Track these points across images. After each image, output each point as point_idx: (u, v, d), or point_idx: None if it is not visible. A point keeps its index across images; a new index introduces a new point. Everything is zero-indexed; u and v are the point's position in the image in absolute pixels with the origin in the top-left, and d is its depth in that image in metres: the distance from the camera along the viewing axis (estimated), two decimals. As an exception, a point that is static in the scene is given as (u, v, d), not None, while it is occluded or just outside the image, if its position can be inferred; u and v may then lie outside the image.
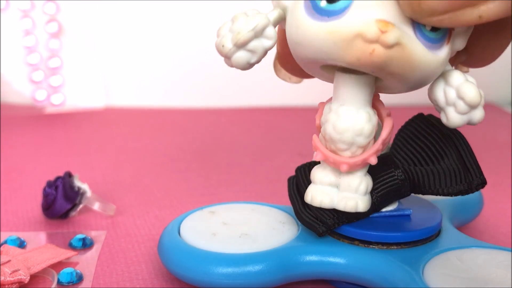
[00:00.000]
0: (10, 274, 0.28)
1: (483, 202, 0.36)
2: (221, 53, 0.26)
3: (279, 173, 0.45)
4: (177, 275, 0.29)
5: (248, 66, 0.27)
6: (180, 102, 0.65)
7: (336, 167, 0.27)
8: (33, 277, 0.30)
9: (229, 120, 0.61)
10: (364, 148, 0.27)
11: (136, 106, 0.64)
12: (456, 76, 0.26)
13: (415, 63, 0.24)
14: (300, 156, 0.48)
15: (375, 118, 0.27)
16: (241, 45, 0.26)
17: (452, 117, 0.26)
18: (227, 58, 0.26)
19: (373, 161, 0.27)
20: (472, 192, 0.28)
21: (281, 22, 0.27)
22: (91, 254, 0.33)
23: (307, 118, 0.61)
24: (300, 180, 0.31)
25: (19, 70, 0.60)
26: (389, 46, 0.23)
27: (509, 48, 0.28)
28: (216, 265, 0.28)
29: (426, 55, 0.25)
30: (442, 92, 0.26)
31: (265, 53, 0.26)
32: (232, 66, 0.27)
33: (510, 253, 0.28)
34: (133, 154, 0.50)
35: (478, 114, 0.26)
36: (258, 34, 0.26)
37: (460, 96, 0.26)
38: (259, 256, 0.28)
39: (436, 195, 0.29)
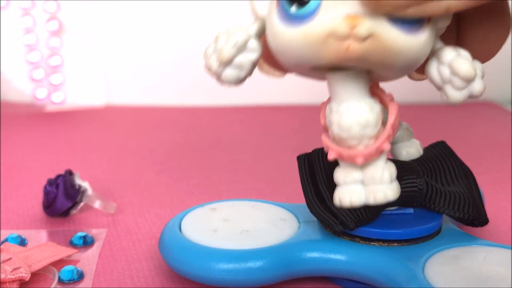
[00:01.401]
0: (11, 271, 0.28)
1: (483, 200, 0.36)
2: (210, 74, 0.27)
3: (279, 171, 0.45)
4: (178, 271, 0.29)
5: (239, 81, 0.27)
6: (181, 100, 0.65)
7: (351, 162, 0.27)
8: (34, 274, 0.30)
9: (230, 118, 0.61)
10: (375, 137, 0.26)
11: (136, 104, 0.64)
12: (448, 53, 0.26)
13: (395, 50, 0.24)
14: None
15: (377, 106, 0.26)
16: (226, 63, 0.26)
17: (451, 95, 0.26)
18: (217, 78, 0.27)
19: (387, 147, 0.26)
20: (472, 226, 0.30)
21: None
22: (92, 252, 0.33)
23: (308, 117, 0.61)
24: (316, 164, 0.30)
25: (19, 68, 0.60)
26: (363, 39, 0.23)
27: (509, 46, 0.28)
28: (217, 261, 0.28)
29: (405, 39, 0.24)
30: (437, 71, 0.26)
31: (253, 66, 0.27)
32: (224, 84, 0.27)
33: (510, 251, 0.28)
34: (133, 152, 0.50)
35: (477, 86, 0.25)
36: (241, 49, 0.26)
37: (454, 73, 0.25)
38: (260, 252, 0.28)
39: (441, 213, 0.29)
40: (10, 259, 0.29)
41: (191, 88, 0.65)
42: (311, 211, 0.29)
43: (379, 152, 0.26)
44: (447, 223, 0.31)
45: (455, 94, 0.26)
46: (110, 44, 0.63)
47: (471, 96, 0.26)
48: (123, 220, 0.37)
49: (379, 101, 0.27)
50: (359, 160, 0.26)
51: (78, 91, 0.62)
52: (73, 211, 0.37)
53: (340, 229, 0.28)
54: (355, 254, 0.29)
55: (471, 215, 0.29)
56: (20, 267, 0.29)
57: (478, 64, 0.26)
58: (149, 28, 0.64)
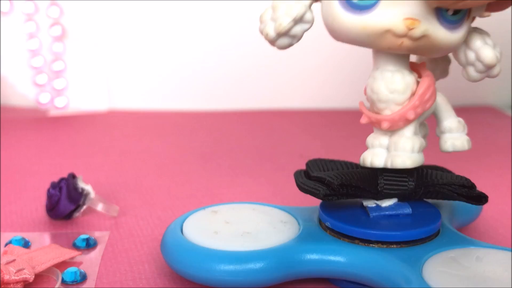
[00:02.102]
0: (15, 273, 0.29)
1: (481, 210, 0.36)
2: (264, 38, 0.29)
3: (280, 175, 0.45)
4: (179, 273, 0.29)
5: (290, 46, 0.30)
6: (183, 105, 0.65)
7: (378, 127, 0.29)
8: (38, 276, 0.30)
9: (231, 122, 0.61)
10: (402, 104, 0.29)
11: (139, 109, 0.65)
12: (475, 40, 0.29)
13: (439, 46, 0.28)
14: (301, 157, 0.48)
15: (410, 78, 0.29)
16: (283, 34, 0.28)
17: (472, 75, 0.29)
18: (271, 43, 0.29)
19: (411, 115, 0.29)
20: (472, 202, 0.30)
21: None
22: (95, 254, 0.33)
23: (308, 121, 0.61)
24: (309, 169, 0.32)
25: (23, 73, 0.60)
26: (416, 39, 0.27)
27: (508, 50, 0.29)
28: (218, 262, 0.28)
29: (449, 37, 0.28)
30: (463, 54, 0.29)
31: (303, 34, 0.29)
32: (275, 47, 0.29)
33: (509, 252, 0.28)
34: (136, 156, 0.50)
35: (495, 71, 0.29)
36: (298, 21, 0.28)
37: (479, 59, 0.29)
38: (261, 254, 0.28)
39: (440, 186, 0.30)
40: (14, 260, 0.30)
41: (193, 92, 0.65)
42: (299, 188, 0.31)
43: (403, 120, 0.29)
44: (446, 225, 0.31)
45: (475, 75, 0.29)
46: (113, 49, 0.64)
47: (488, 77, 0.29)
48: (126, 222, 0.37)
49: (418, 76, 0.30)
50: (384, 124, 0.29)
51: (81, 96, 0.62)
52: (76, 214, 0.37)
53: (325, 191, 0.29)
54: (355, 256, 0.29)
55: (469, 182, 0.30)
56: (24, 269, 0.29)
57: (498, 50, 0.29)
58: (151, 33, 0.64)
